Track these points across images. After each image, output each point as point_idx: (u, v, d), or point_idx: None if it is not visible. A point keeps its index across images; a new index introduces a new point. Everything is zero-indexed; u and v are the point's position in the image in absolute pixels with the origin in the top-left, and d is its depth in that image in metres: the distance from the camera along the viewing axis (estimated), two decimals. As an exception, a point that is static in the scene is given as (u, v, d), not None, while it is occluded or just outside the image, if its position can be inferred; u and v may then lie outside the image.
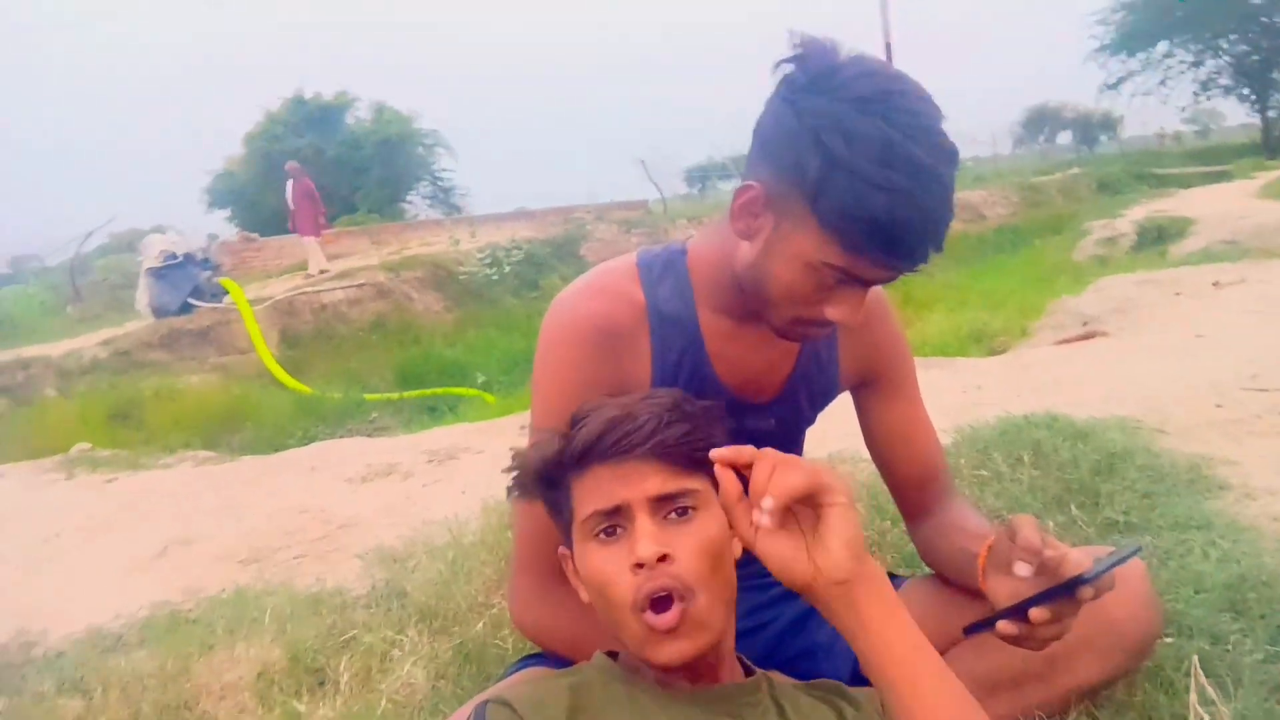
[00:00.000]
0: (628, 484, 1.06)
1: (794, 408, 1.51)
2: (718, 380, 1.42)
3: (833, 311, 1.22)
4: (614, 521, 1.07)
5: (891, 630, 0.95)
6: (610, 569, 1.05)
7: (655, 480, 1.06)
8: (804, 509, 0.97)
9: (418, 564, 2.64)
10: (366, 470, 4.05)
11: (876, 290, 1.43)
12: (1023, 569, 1.10)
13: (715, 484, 1.11)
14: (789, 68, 1.16)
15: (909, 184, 1.07)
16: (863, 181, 1.08)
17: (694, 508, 1.07)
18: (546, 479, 1.14)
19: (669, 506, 1.07)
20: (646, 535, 1.04)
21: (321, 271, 14.60)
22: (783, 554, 0.97)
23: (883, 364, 1.54)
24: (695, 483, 1.08)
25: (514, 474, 1.17)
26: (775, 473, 0.96)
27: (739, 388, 1.44)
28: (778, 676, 1.19)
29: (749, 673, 1.16)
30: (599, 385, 1.30)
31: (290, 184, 15.02)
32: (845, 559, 0.94)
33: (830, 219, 1.12)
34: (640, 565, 1.03)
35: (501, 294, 14.53)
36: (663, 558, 1.03)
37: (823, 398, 1.55)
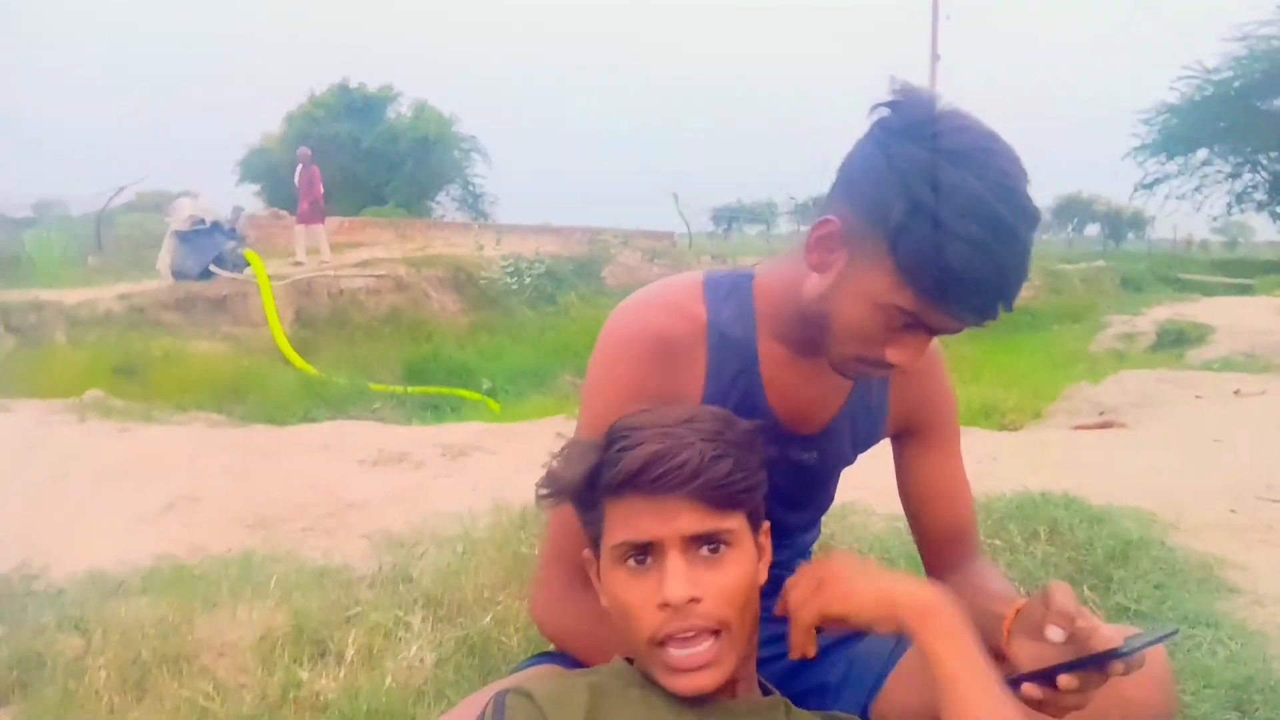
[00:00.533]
0: (662, 521, 1.05)
1: (838, 445, 1.52)
2: (768, 406, 1.42)
3: (894, 354, 1.23)
4: (645, 554, 1.07)
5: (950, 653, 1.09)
6: (637, 600, 1.05)
7: (690, 519, 1.05)
8: None
9: (425, 552, 2.65)
10: (378, 455, 4.06)
11: (933, 343, 1.44)
12: (1056, 634, 1.10)
13: (749, 519, 1.12)
14: (884, 111, 1.17)
15: (990, 240, 1.09)
16: (944, 231, 1.09)
17: (726, 544, 1.07)
18: (578, 497, 1.13)
19: (701, 544, 1.06)
20: (678, 575, 1.03)
21: (314, 257, 14.44)
22: None
23: (930, 415, 1.55)
24: (730, 521, 1.08)
25: (545, 485, 1.16)
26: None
27: (787, 417, 1.44)
28: (795, 708, 1.20)
29: (767, 693, 1.17)
30: (652, 398, 1.30)
31: (299, 169, 15.07)
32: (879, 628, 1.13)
33: (907, 263, 1.13)
34: (667, 604, 1.03)
35: (518, 304, 14.53)
36: (692, 599, 1.03)
37: (866, 440, 1.55)
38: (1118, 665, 1.05)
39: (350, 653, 2.01)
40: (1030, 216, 1.13)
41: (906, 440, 1.57)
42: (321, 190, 15.38)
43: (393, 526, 2.95)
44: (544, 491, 1.16)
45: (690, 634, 1.03)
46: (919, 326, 1.20)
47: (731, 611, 1.05)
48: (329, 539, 2.91)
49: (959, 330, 1.23)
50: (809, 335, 1.31)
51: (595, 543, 1.14)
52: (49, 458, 4.02)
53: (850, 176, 1.21)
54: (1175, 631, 1.14)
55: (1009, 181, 1.12)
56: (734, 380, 1.40)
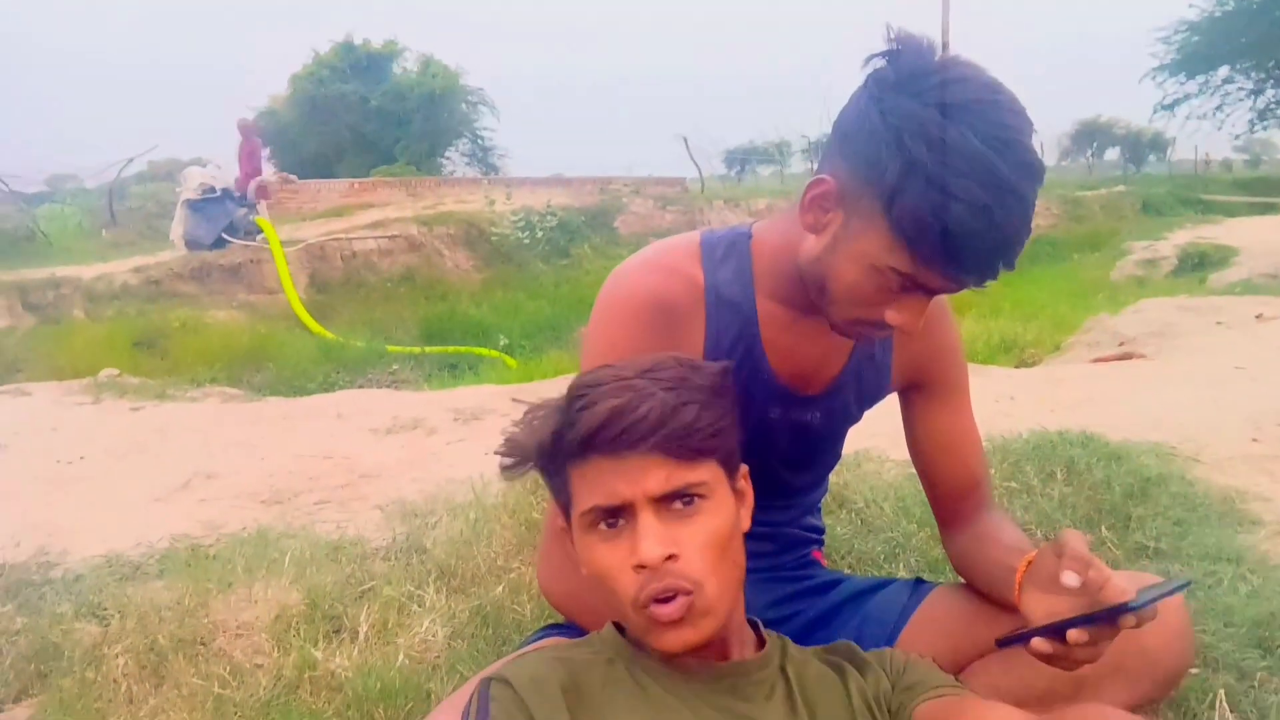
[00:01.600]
0: (630, 481, 1.01)
1: (842, 404, 1.49)
2: (770, 368, 1.40)
3: (893, 316, 1.20)
4: (616, 516, 1.03)
5: None
6: (613, 564, 1.03)
7: (659, 476, 1.01)
8: None
9: (438, 521, 2.65)
10: (392, 422, 4.07)
11: (939, 296, 1.41)
12: (1071, 578, 1.07)
13: (721, 466, 1.08)
14: (880, 63, 1.13)
15: (988, 198, 1.05)
16: (941, 190, 1.05)
17: (700, 496, 1.04)
18: (542, 465, 1.10)
19: (673, 498, 1.03)
20: (651, 535, 1.00)
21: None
22: None
23: (936, 369, 1.52)
24: (700, 473, 1.04)
25: (507, 454, 1.12)
26: None
27: (789, 378, 1.42)
28: (792, 646, 1.17)
29: (763, 643, 1.14)
30: None
31: (240, 142, 14.88)
32: None
33: (902, 224, 1.09)
34: (643, 566, 1.00)
35: (532, 259, 14.49)
36: (669, 557, 1.00)
37: (871, 397, 1.53)
38: (1129, 618, 1.03)
39: (364, 629, 2.02)
40: (1033, 171, 1.08)
41: (913, 395, 1.54)
42: (259, 165, 15.17)
43: (406, 495, 2.95)
44: (507, 462, 1.12)
45: (670, 595, 1.00)
46: (916, 288, 1.17)
47: (710, 560, 1.02)
48: (342, 511, 2.91)
49: (958, 291, 1.19)
50: (808, 296, 1.29)
51: (566, 512, 1.11)
52: (65, 441, 4.05)
53: (844, 132, 1.17)
54: (1189, 583, 1.12)
55: (1010, 135, 1.07)
56: (734, 343, 1.38)
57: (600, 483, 1.03)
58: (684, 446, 1.02)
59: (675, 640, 1.01)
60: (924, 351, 1.49)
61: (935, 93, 1.07)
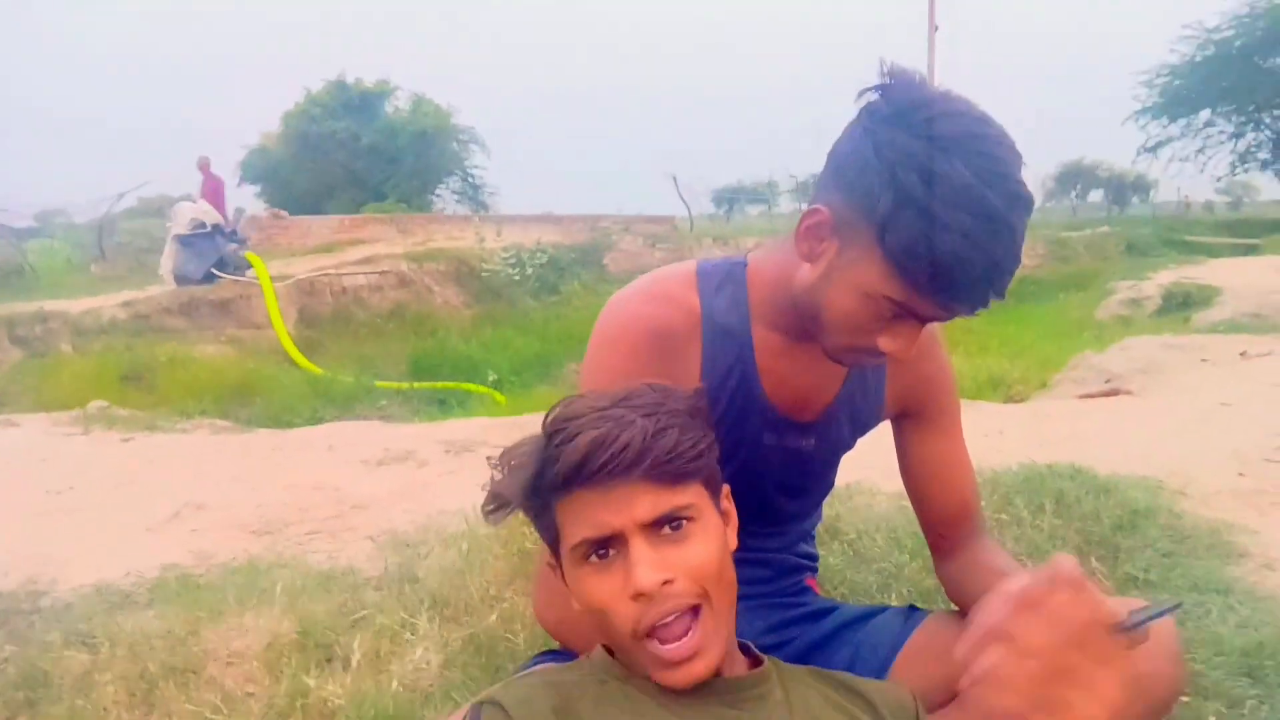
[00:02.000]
0: (617, 511, 1.01)
1: (835, 430, 1.51)
2: (764, 395, 1.42)
3: (886, 343, 1.22)
4: (606, 547, 1.03)
5: None
6: (607, 596, 1.02)
7: (646, 502, 1.01)
8: None
9: (430, 551, 2.65)
10: (383, 454, 4.06)
11: (931, 324, 1.43)
12: None
13: (705, 487, 1.08)
14: (873, 96, 1.16)
15: (979, 229, 1.07)
16: (932, 221, 1.08)
17: (689, 519, 1.04)
18: (527, 505, 1.09)
19: (663, 524, 1.03)
20: (644, 562, 1.00)
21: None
22: None
23: (928, 397, 1.54)
24: (687, 495, 1.04)
25: (490, 500, 1.11)
26: None
27: (784, 405, 1.44)
28: (785, 665, 1.17)
29: (757, 663, 1.14)
30: None
31: (200, 182, 14.96)
32: None
33: (895, 254, 1.12)
34: (640, 594, 0.99)
35: (521, 295, 14.54)
36: (665, 582, 1.00)
37: (864, 424, 1.55)
38: (1121, 640, 1.04)
39: (356, 657, 2.01)
40: (1022, 202, 1.11)
41: (905, 422, 1.56)
42: (223, 203, 15.26)
43: (398, 526, 2.95)
44: (490, 507, 1.11)
45: (671, 619, 1.00)
46: (909, 316, 1.19)
47: (706, 583, 1.02)
48: (334, 541, 2.91)
49: (949, 319, 1.22)
50: (803, 323, 1.31)
51: (554, 547, 1.10)
52: (55, 471, 4.03)
53: (839, 164, 1.20)
54: (1179, 605, 1.12)
55: (1000, 167, 1.10)
56: (729, 370, 1.39)
57: (587, 515, 1.02)
58: (668, 471, 1.02)
59: (683, 676, 1.01)
60: (916, 379, 1.51)
61: (928, 126, 1.10)
